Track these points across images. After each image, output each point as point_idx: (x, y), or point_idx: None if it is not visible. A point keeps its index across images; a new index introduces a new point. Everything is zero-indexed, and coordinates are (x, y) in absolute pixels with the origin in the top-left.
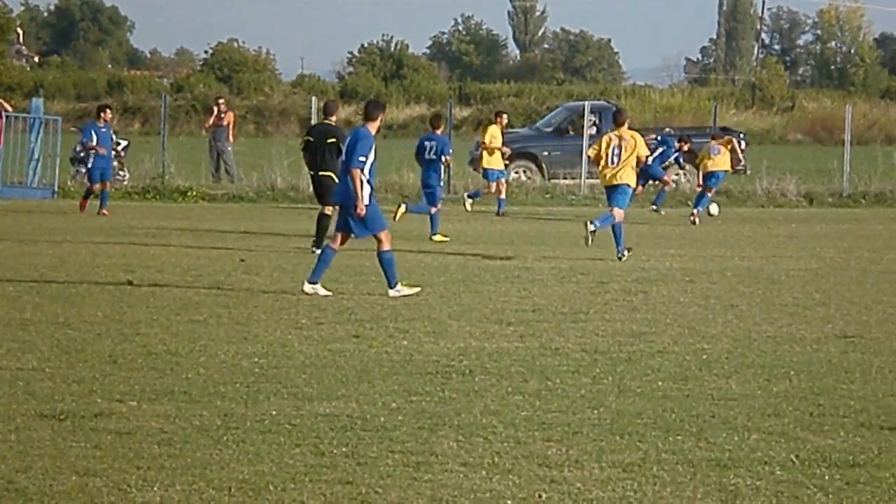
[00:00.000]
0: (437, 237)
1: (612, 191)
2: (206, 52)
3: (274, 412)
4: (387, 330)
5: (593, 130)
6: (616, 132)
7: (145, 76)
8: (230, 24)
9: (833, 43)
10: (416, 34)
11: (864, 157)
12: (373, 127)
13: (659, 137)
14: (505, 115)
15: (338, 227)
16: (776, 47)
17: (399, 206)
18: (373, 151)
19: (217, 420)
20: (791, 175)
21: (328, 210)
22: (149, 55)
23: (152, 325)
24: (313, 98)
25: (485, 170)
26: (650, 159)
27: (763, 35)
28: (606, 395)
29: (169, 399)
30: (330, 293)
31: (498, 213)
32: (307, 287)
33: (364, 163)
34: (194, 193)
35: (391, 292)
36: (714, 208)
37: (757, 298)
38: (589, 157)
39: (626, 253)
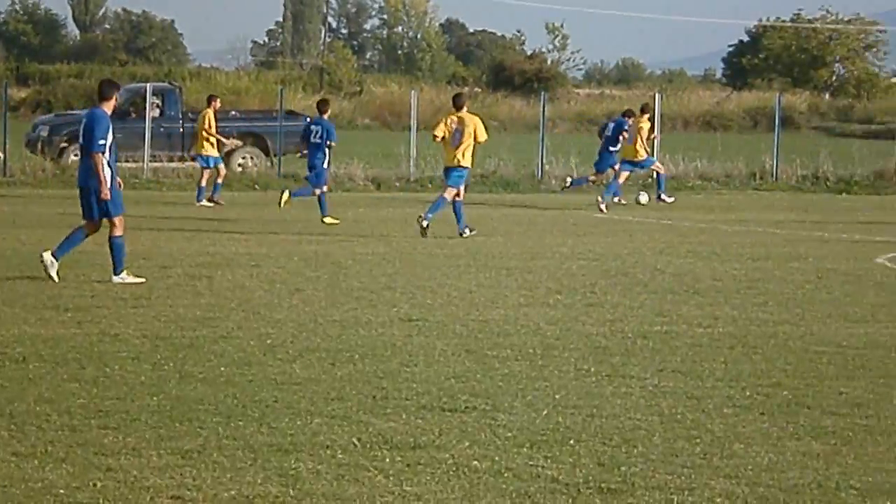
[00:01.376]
0: (328, 220)
1: (449, 172)
2: None
3: None
4: None
5: (157, 112)
6: (455, 115)
7: None
8: None
9: (400, 28)
10: None
11: (430, 143)
12: (108, 107)
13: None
14: (218, 99)
15: (83, 213)
16: (343, 31)
17: (283, 192)
18: (110, 132)
19: None
20: (359, 160)
21: None
22: None
23: None
24: None
25: (204, 157)
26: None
27: (330, 19)
28: (167, 382)
29: None
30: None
31: (200, 201)
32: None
33: (104, 146)
34: None
35: (115, 278)
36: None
37: (323, 283)
38: (435, 137)
39: (467, 231)
